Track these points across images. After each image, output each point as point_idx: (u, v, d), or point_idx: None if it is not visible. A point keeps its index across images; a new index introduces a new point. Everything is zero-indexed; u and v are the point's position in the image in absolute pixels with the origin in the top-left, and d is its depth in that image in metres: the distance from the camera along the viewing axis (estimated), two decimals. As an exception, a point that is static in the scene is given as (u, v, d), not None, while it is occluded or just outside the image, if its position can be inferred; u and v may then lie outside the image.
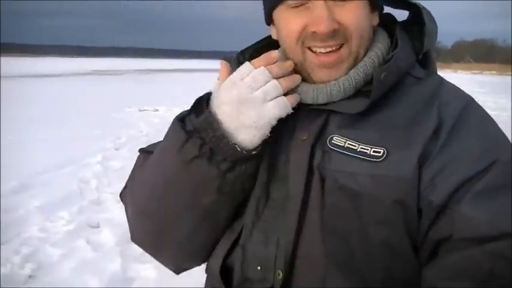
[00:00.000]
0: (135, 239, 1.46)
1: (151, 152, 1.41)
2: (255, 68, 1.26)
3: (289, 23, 1.30)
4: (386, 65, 1.25)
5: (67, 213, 6.10)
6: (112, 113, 15.69)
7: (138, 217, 1.41)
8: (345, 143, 1.23)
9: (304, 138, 1.27)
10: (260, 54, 1.37)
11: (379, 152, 1.20)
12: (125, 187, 1.49)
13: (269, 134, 1.26)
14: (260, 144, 1.26)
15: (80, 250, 5.08)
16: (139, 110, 16.89)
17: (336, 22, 1.24)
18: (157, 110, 16.92)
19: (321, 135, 1.27)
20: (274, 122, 1.25)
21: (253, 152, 1.25)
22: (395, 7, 1.43)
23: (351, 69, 1.29)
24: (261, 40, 1.48)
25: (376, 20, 1.35)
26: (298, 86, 1.31)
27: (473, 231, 1.11)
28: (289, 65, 1.29)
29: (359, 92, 1.30)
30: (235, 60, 1.41)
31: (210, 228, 1.34)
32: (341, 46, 1.27)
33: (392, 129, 1.23)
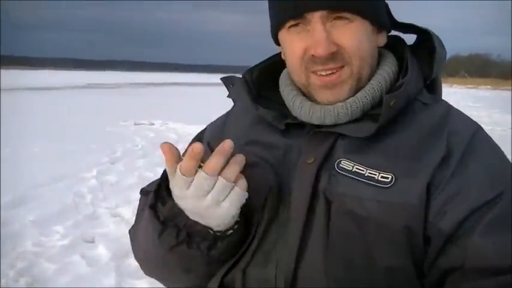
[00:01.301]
0: (137, 261, 1.46)
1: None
2: (183, 175, 1.16)
3: (291, 47, 1.29)
4: (397, 92, 1.24)
5: (62, 227, 6.08)
6: (107, 127, 15.68)
7: (139, 260, 1.43)
8: (352, 167, 1.23)
9: (310, 161, 1.26)
10: (268, 73, 1.41)
11: (387, 178, 1.19)
12: (133, 226, 1.47)
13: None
14: (237, 221, 1.25)
15: (75, 265, 5.05)
16: (135, 124, 16.87)
17: (335, 44, 1.24)
18: (152, 124, 16.92)
19: (327, 158, 1.26)
20: (235, 219, 1.23)
21: (230, 232, 1.24)
22: (404, 32, 1.43)
23: (353, 90, 1.28)
24: (269, 58, 1.48)
25: (382, 41, 1.35)
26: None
27: (485, 262, 1.11)
28: (227, 146, 1.16)
29: (366, 115, 1.29)
30: (242, 78, 1.41)
31: (208, 279, 1.35)
32: (342, 67, 1.26)
33: (400, 155, 1.22)
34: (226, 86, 1.46)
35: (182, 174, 1.15)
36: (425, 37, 1.39)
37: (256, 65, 1.45)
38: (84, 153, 10.87)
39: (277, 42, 1.38)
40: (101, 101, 27.54)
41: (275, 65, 1.44)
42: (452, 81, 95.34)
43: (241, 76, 1.43)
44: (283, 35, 1.31)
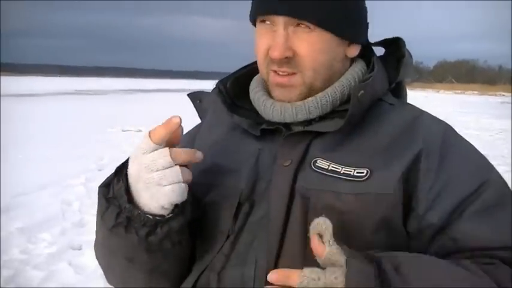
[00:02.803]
0: (109, 283, 1.47)
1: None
2: (154, 144, 1.19)
3: (258, 42, 1.35)
4: (365, 83, 1.30)
5: (49, 235, 6.07)
6: (94, 134, 15.61)
7: (101, 267, 1.43)
8: (328, 165, 1.26)
9: (287, 164, 1.29)
10: (240, 83, 1.45)
11: (363, 173, 1.24)
12: (95, 241, 1.47)
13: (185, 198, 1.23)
14: (179, 207, 1.25)
15: (62, 273, 5.03)
16: (122, 131, 16.83)
17: (291, 50, 1.28)
18: (140, 131, 16.85)
19: (303, 159, 1.29)
20: (167, 206, 1.21)
21: (168, 216, 1.23)
22: (377, 45, 1.48)
23: (304, 95, 1.33)
24: (243, 68, 1.51)
25: (353, 52, 1.39)
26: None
27: (476, 243, 1.18)
28: (174, 120, 1.20)
29: (335, 113, 1.34)
30: (216, 89, 1.44)
31: (165, 277, 1.35)
32: (294, 74, 1.31)
33: (374, 152, 1.27)
34: (193, 103, 1.51)
35: (149, 135, 1.19)
36: (394, 47, 1.45)
37: (228, 76, 1.49)
38: (71, 160, 10.82)
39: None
40: (88, 108, 27.44)
41: (247, 74, 1.48)
42: (439, 87, 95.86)
43: (215, 86, 1.46)
44: (257, 26, 1.36)
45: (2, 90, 37.54)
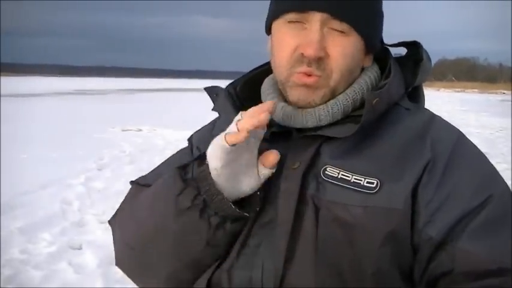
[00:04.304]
0: (119, 265, 1.44)
1: (144, 185, 1.43)
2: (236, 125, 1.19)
3: (283, 41, 1.30)
4: (380, 91, 1.26)
5: (49, 234, 6.06)
6: (95, 133, 15.62)
7: (124, 248, 1.40)
8: (338, 173, 1.23)
9: (295, 167, 1.26)
10: (251, 85, 1.42)
11: (373, 184, 1.20)
12: (115, 215, 1.46)
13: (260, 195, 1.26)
14: (253, 207, 1.25)
15: (62, 272, 5.03)
16: (123, 130, 16.83)
17: (325, 51, 1.25)
18: (140, 130, 16.88)
19: (313, 164, 1.27)
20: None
21: (246, 214, 1.24)
22: (394, 46, 1.44)
23: (326, 99, 1.30)
24: (254, 70, 1.49)
25: (368, 62, 1.36)
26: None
27: (474, 266, 1.12)
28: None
29: (348, 117, 1.31)
30: (225, 91, 1.43)
31: (193, 272, 1.33)
32: (320, 77, 1.27)
33: (385, 160, 1.24)
34: (210, 96, 1.47)
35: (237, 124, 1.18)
36: (413, 50, 1.42)
37: (238, 79, 1.47)
38: (72, 160, 10.82)
39: (268, 32, 1.38)
40: (88, 107, 27.47)
41: (257, 77, 1.46)
42: (439, 85, 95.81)
43: (224, 89, 1.44)
44: (278, 25, 1.32)
45: (2, 90, 37.56)
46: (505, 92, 70.63)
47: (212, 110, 1.47)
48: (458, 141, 1.29)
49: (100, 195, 7.88)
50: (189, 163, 1.30)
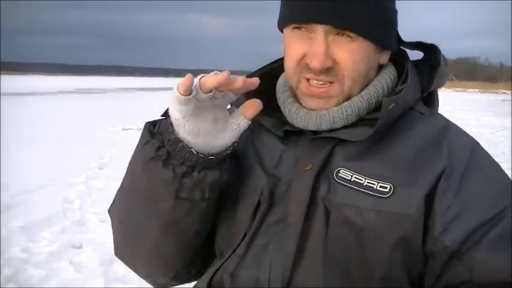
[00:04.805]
0: (116, 251, 1.46)
1: None
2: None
3: (291, 48, 1.30)
4: (396, 97, 1.25)
5: (50, 233, 6.06)
6: (95, 132, 15.62)
7: (115, 225, 1.42)
8: (351, 176, 1.23)
9: (308, 168, 1.26)
10: (266, 79, 1.39)
11: (386, 188, 1.20)
12: (113, 203, 1.47)
13: (235, 144, 1.25)
14: (223, 152, 1.24)
15: (63, 271, 5.03)
16: (123, 129, 16.79)
17: (332, 59, 1.25)
18: (141, 129, 16.75)
19: (326, 166, 1.27)
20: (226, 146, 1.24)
21: (210, 157, 1.22)
22: (411, 49, 1.44)
23: (340, 104, 1.29)
24: (268, 65, 1.48)
25: (384, 59, 1.36)
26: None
27: (492, 277, 1.13)
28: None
29: (363, 120, 1.30)
30: None
31: (175, 239, 1.32)
32: (332, 83, 1.27)
33: (399, 165, 1.23)
34: None
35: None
36: (430, 54, 1.41)
37: (254, 72, 1.46)
38: (72, 159, 10.81)
39: (282, 31, 1.37)
40: (89, 106, 27.43)
41: (274, 71, 1.44)
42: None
43: None
44: (287, 32, 1.32)
45: (3, 88, 37.52)
46: (505, 91, 70.48)
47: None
48: (475, 149, 1.28)
49: (101, 194, 7.87)
50: (160, 119, 1.29)
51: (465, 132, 1.35)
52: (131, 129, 16.83)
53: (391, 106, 1.22)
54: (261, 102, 1.22)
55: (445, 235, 1.16)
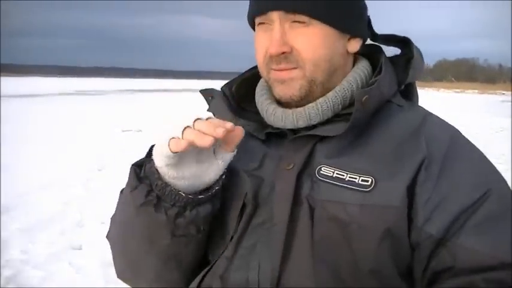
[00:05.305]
0: (118, 275, 1.48)
1: None
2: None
3: (257, 43, 1.34)
4: (369, 88, 1.27)
5: (49, 235, 6.07)
6: (95, 134, 15.62)
7: (115, 254, 1.43)
8: (333, 172, 1.24)
9: (289, 167, 1.28)
10: (246, 85, 1.45)
11: (367, 181, 1.21)
12: (109, 229, 1.47)
13: (222, 176, 1.28)
14: (211, 188, 1.27)
15: (62, 272, 5.03)
16: (122, 131, 16.81)
17: (289, 46, 1.28)
18: (140, 131, 16.86)
19: (307, 164, 1.28)
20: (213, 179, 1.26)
21: (200, 196, 1.25)
22: (386, 44, 1.46)
23: (305, 90, 1.31)
24: (249, 70, 1.50)
25: (354, 47, 1.36)
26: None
27: (475, 262, 1.12)
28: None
29: (340, 116, 1.32)
30: (221, 93, 1.45)
31: (177, 267, 1.35)
32: (295, 69, 1.29)
33: (379, 158, 1.24)
34: (205, 99, 1.50)
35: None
36: (406, 49, 1.43)
37: (234, 79, 1.49)
38: (72, 160, 10.83)
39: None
40: (88, 108, 27.43)
41: (253, 77, 1.46)
42: (439, 86, 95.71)
43: (220, 90, 1.46)
44: (256, 29, 1.35)
45: (2, 90, 37.53)
46: (504, 92, 70.56)
47: (207, 110, 1.48)
48: (455, 138, 1.29)
49: (100, 195, 7.87)
50: (144, 160, 1.31)
51: (445, 121, 1.35)
52: (130, 130, 16.85)
53: (364, 98, 1.24)
54: (242, 129, 1.24)
55: (428, 224, 1.17)
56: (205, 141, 1.13)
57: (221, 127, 1.14)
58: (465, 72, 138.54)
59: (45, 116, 21.30)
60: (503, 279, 1.11)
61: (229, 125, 1.17)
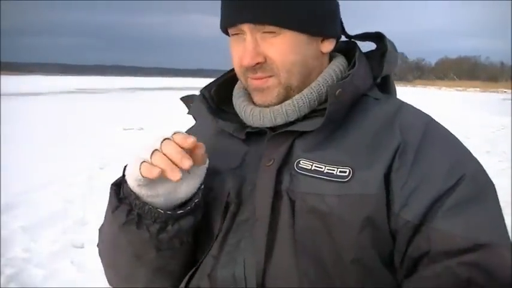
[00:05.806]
0: (109, 283, 1.50)
1: None
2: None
3: (233, 53, 1.36)
4: (342, 82, 1.30)
5: (51, 233, 6.07)
6: (97, 132, 15.63)
7: (104, 266, 1.47)
8: (311, 165, 1.27)
9: (269, 164, 1.30)
10: (225, 87, 1.47)
11: (345, 172, 1.23)
12: (98, 241, 1.50)
13: (201, 187, 1.30)
14: (190, 202, 1.29)
15: (64, 271, 5.04)
16: (124, 129, 16.80)
17: (262, 56, 1.30)
18: (142, 129, 16.86)
19: (287, 160, 1.30)
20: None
21: (179, 212, 1.27)
22: (361, 40, 1.48)
23: (282, 96, 1.33)
24: (228, 72, 1.52)
25: (327, 48, 1.38)
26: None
27: (450, 245, 1.15)
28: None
29: (316, 111, 1.34)
30: (200, 95, 1.47)
31: (167, 276, 1.38)
32: (270, 77, 1.32)
33: (356, 148, 1.26)
34: (186, 105, 1.52)
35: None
36: (381, 43, 1.45)
37: (213, 81, 1.51)
38: (73, 158, 10.83)
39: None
40: (90, 106, 27.44)
41: (231, 79, 1.49)
42: (441, 84, 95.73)
43: (199, 93, 1.48)
44: (230, 38, 1.37)
45: (3, 89, 37.54)
46: (506, 90, 70.57)
47: (187, 114, 1.51)
48: (429, 125, 1.31)
49: (102, 193, 7.86)
50: (121, 179, 1.32)
51: (419, 110, 1.37)
52: (132, 129, 16.85)
53: (337, 92, 1.26)
54: (202, 144, 1.25)
55: (404, 211, 1.18)
56: (175, 176, 1.17)
57: (186, 158, 1.17)
58: (467, 71, 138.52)
59: (47, 114, 21.31)
60: (477, 261, 1.13)
61: (191, 139, 1.20)
